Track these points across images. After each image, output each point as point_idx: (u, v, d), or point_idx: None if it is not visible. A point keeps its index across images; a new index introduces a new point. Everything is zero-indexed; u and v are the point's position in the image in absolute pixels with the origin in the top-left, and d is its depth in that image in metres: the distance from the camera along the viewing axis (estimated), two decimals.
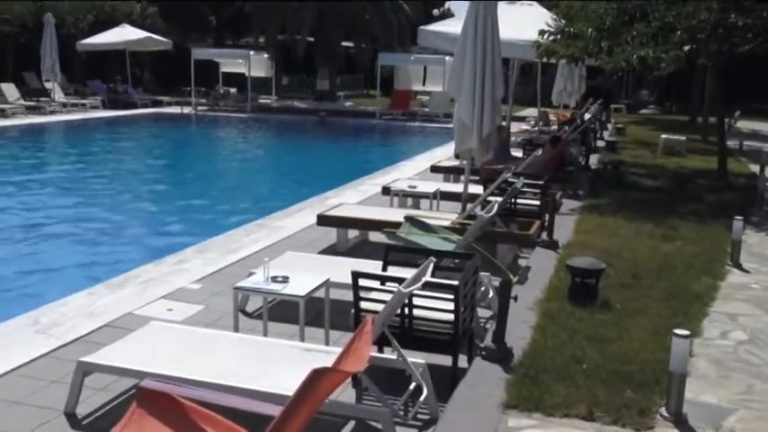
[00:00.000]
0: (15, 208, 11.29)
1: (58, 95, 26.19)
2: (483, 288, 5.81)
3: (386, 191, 9.74)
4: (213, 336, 4.68)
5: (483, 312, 5.80)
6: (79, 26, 30.41)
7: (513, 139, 15.71)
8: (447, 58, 25.18)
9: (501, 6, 8.10)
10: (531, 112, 25.87)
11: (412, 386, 4.21)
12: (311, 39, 32.61)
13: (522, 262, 7.47)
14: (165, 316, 5.68)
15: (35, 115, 23.53)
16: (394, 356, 4.28)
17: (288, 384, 3.70)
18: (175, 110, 28.18)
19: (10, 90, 24.95)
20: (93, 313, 5.77)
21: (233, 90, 31.65)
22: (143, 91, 31.05)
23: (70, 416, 4.14)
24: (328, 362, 3.54)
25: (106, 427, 3.84)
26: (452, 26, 12.66)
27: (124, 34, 28.98)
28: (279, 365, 4.15)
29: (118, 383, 4.44)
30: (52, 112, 24.43)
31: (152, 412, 3.10)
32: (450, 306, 4.40)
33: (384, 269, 5.20)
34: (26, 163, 16.36)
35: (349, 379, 4.29)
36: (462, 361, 4.73)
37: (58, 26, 26.14)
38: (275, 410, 2.99)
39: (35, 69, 26.71)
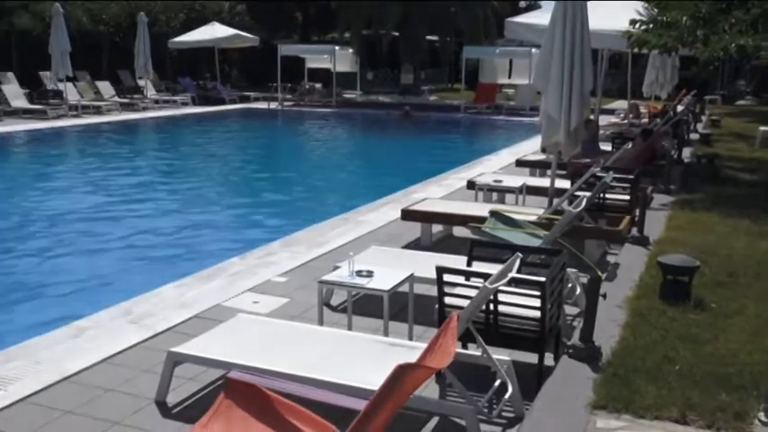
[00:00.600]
0: (109, 201, 11.70)
1: (151, 92, 27.04)
2: (570, 285, 5.68)
3: (470, 185, 9.65)
4: (298, 328, 4.73)
5: (570, 310, 5.67)
6: (171, 25, 31.31)
7: (601, 132, 15.33)
8: (533, 50, 24.82)
9: None
10: (621, 104, 25.23)
11: (497, 383, 4.15)
12: (396, 33, 32.65)
13: (610, 258, 7.28)
14: (251, 308, 5.77)
15: (129, 112, 24.35)
16: (478, 353, 4.23)
17: (372, 379, 3.70)
18: (262, 105, 28.70)
19: (105, 88, 25.92)
20: (184, 304, 5.92)
21: (318, 85, 32.01)
22: (231, 87, 31.72)
23: (161, 404, 4.25)
24: (412, 357, 3.52)
25: (195, 416, 3.92)
26: (540, 17, 12.44)
27: (213, 32, 29.68)
28: (363, 360, 4.16)
29: (206, 374, 4.53)
30: (144, 109, 25.24)
31: (239, 403, 3.14)
32: (537, 303, 4.31)
33: (469, 264, 5.14)
34: (119, 158, 16.95)
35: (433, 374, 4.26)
36: (548, 359, 4.64)
37: (151, 25, 26.97)
38: (359, 405, 2.99)
39: (129, 67, 27.64)
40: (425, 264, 5.59)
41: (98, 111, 23.62)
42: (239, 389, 3.18)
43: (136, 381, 4.53)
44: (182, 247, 8.99)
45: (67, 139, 19.68)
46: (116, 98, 25.43)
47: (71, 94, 23.27)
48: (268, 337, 4.47)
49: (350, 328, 5.10)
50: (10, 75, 23.72)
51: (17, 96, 22.32)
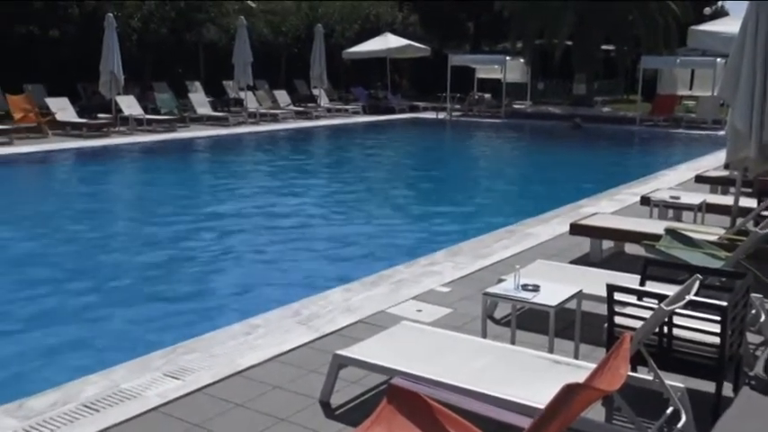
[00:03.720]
0: (281, 205, 12.20)
1: (324, 101, 28.01)
2: (754, 311, 5.29)
3: (645, 201, 9.23)
4: (461, 339, 4.69)
5: (753, 338, 5.28)
6: (345, 36, 32.29)
7: None
8: (719, 60, 23.47)
9: None
10: None
11: (669, 411, 3.91)
12: (569, 43, 31.96)
13: None
14: (414, 316, 5.80)
15: (303, 120, 25.33)
16: (649, 377, 4.01)
17: (536, 396, 3.60)
18: (431, 115, 28.95)
19: (282, 96, 27.14)
20: (349, 309, 6.04)
21: (488, 95, 31.89)
22: (401, 97, 32.25)
23: (325, 405, 4.35)
24: (578, 376, 3.39)
25: (357, 419, 3.98)
26: (727, 25, 11.74)
27: (386, 42, 30.34)
28: (526, 375, 4.06)
29: (369, 378, 4.59)
30: (317, 117, 26.17)
31: (401, 410, 3.15)
32: (717, 328, 4.03)
33: (642, 284, 4.90)
34: (291, 164, 17.66)
35: None
36: (727, 389, 4.33)
37: (327, 36, 27.96)
38: (522, 422, 2.92)
39: (304, 77, 28.78)
40: (594, 281, 5.39)
41: (275, 118, 24.74)
42: (402, 396, 3.19)
43: (302, 380, 4.67)
44: (348, 252, 9.21)
45: (245, 144, 20.74)
46: (291, 107, 26.54)
47: (251, 102, 24.54)
48: (431, 347, 4.47)
49: (513, 343, 5.00)
50: (197, 84, 25.36)
51: (202, 104, 23.81)
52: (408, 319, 5.37)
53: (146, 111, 21.66)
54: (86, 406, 4.25)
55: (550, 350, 4.80)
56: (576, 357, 4.93)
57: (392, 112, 29.08)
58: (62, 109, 19.77)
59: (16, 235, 9.84)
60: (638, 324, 4.00)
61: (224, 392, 4.47)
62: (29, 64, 22.38)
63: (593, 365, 3.68)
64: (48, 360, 5.75)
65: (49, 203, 12.23)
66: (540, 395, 3.55)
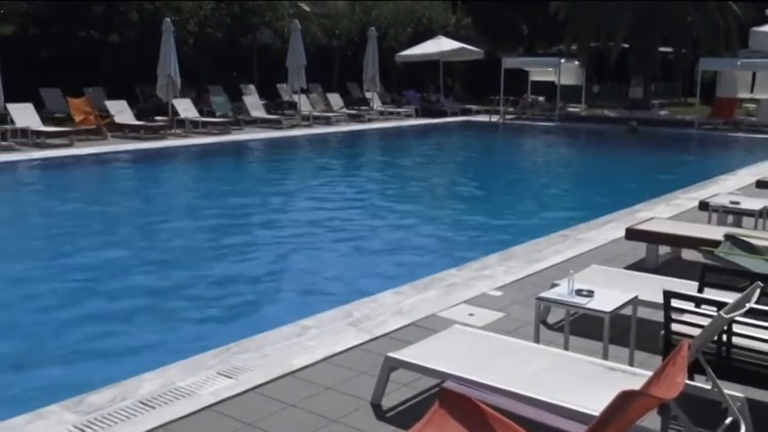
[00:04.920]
0: (333, 207, 12.27)
1: (376, 104, 28.07)
2: None
3: (703, 206, 9.04)
4: (513, 344, 4.65)
5: None
6: (398, 39, 32.33)
7: None
8: None
9: None
10: None
11: (727, 421, 3.82)
12: (626, 45, 31.46)
13: None
14: (466, 320, 5.78)
15: (355, 123, 25.43)
16: (707, 386, 3.92)
17: (590, 402, 3.56)
18: (483, 118, 28.81)
19: (335, 99, 27.29)
20: (400, 311, 6.05)
21: (541, 98, 31.59)
22: (453, 100, 32.15)
23: (376, 407, 4.36)
24: (634, 384, 3.33)
25: (408, 422, 3.98)
26: None
27: (439, 45, 30.26)
28: (580, 382, 4.00)
29: (420, 381, 4.59)
30: (370, 120, 26.24)
31: (453, 414, 3.14)
32: None
33: (700, 290, 4.80)
34: (343, 166, 17.76)
35: None
36: None
37: (380, 39, 28.02)
38: (576, 429, 2.88)
39: (357, 80, 28.91)
40: (650, 287, 5.31)
41: (327, 121, 24.90)
42: (454, 400, 3.18)
43: (353, 381, 4.69)
44: (400, 254, 9.21)
45: (298, 147, 20.92)
46: (344, 109, 26.66)
47: (304, 105, 24.73)
48: (483, 351, 4.44)
49: (566, 348, 4.95)
50: (251, 87, 25.66)
51: (256, 107, 24.09)
52: (460, 323, 5.34)
53: (201, 113, 22.01)
54: (143, 403, 4.34)
55: (605, 356, 4.74)
56: (631, 364, 4.85)
57: (444, 115, 29.01)
58: (120, 111, 20.21)
59: (75, 233, 10.09)
60: (695, 332, 3.92)
61: (276, 392, 4.51)
62: (89, 67, 22.92)
63: (649, 373, 3.62)
64: (104, 355, 5.88)
65: (108, 203, 12.50)
66: (594, 402, 3.50)
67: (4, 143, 16.84)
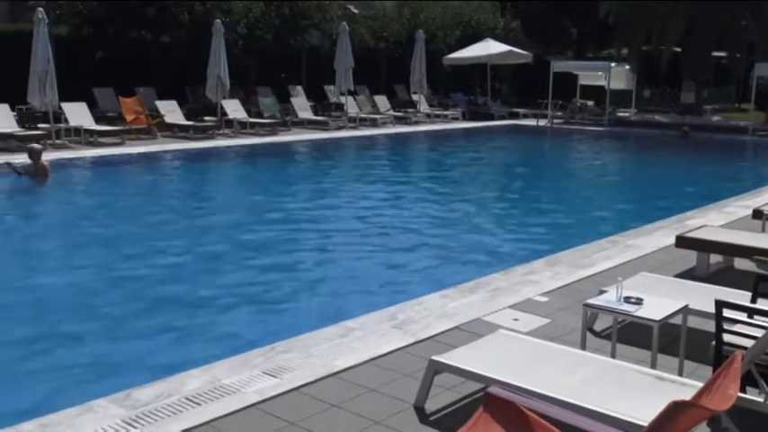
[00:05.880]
0: (377, 208, 12.28)
1: (423, 107, 28.05)
2: None
3: (757, 214, 8.84)
4: (559, 350, 4.59)
5: None
6: (446, 41, 32.25)
7: None
8: None
9: None
10: None
11: None
12: (678, 49, 30.94)
13: None
14: (511, 325, 5.73)
15: (401, 125, 25.45)
16: (760, 399, 3.83)
17: (638, 412, 3.50)
18: (531, 122, 28.59)
19: (381, 101, 27.34)
20: (445, 315, 6.02)
21: (590, 103, 31.23)
22: (501, 103, 31.97)
23: (419, 410, 4.35)
24: (683, 394, 3.27)
25: (451, 426, 3.97)
26: None
27: (487, 48, 30.12)
28: (627, 391, 3.94)
29: (464, 385, 4.56)
30: (416, 122, 26.23)
31: (497, 419, 3.12)
32: None
33: (753, 301, 4.69)
34: (389, 168, 17.77)
35: None
36: None
37: (428, 42, 27.99)
38: None
39: (404, 82, 28.91)
40: (701, 296, 5.20)
41: (374, 123, 24.95)
42: (498, 405, 3.15)
43: (397, 384, 4.68)
44: (445, 258, 9.17)
45: (345, 148, 20.99)
46: (391, 112, 26.69)
47: (351, 107, 24.83)
48: (528, 356, 4.40)
49: (613, 356, 4.88)
50: (299, 88, 25.86)
51: (304, 108, 24.25)
52: (505, 328, 5.30)
53: (249, 114, 22.23)
54: (189, 399, 4.39)
55: (653, 366, 4.66)
56: (681, 374, 4.76)
57: (491, 118, 28.85)
58: (171, 111, 20.53)
59: (133, 231, 10.27)
60: (748, 343, 3.83)
61: (320, 392, 4.53)
62: (141, 68, 23.33)
63: (699, 384, 3.56)
64: (152, 352, 5.96)
65: (160, 201, 12.71)
66: (642, 411, 3.45)
67: (58, 141, 17.21)
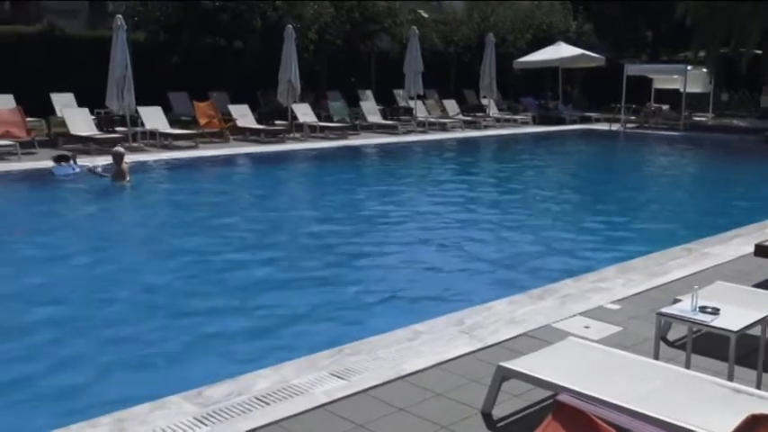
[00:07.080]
0: (446, 213, 12.23)
1: (493, 111, 27.85)
2: None
3: None
4: (631, 360, 4.50)
5: None
6: (517, 45, 31.96)
7: None
8: None
9: None
10: None
11: None
12: (758, 51, 29.98)
13: None
14: (581, 333, 5.63)
15: (471, 129, 25.32)
16: None
17: (714, 425, 3.40)
18: (603, 126, 28.10)
19: (451, 106, 27.27)
20: (514, 321, 5.96)
21: (665, 107, 30.51)
22: (572, 107, 31.51)
23: (486, 416, 4.31)
24: (762, 408, 3.16)
25: None
26: None
27: (559, 52, 29.71)
28: (702, 402, 3.83)
29: (532, 392, 4.51)
30: (486, 127, 26.07)
31: (566, 427, 3.06)
32: None
33: None
34: (458, 172, 17.70)
35: None
36: None
37: (498, 45, 27.79)
38: None
39: (474, 87, 28.76)
40: None
41: (443, 127, 24.89)
42: (568, 413, 3.09)
43: (464, 389, 4.65)
44: (514, 263, 9.08)
45: (414, 153, 21.01)
46: (460, 116, 26.60)
47: (420, 111, 24.83)
48: (599, 365, 4.32)
49: (687, 367, 4.74)
50: (368, 92, 26.00)
51: (373, 112, 24.37)
52: (575, 335, 5.22)
53: (319, 118, 22.47)
54: (258, 398, 4.46)
55: (730, 378, 4.52)
56: (759, 387, 4.60)
57: (563, 122, 28.47)
58: (243, 115, 20.90)
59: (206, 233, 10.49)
60: None
61: (387, 395, 4.54)
62: (214, 73, 23.82)
63: None
64: (224, 350, 6.07)
65: (237, 202, 12.96)
66: (718, 425, 3.35)
67: (134, 144, 17.71)
